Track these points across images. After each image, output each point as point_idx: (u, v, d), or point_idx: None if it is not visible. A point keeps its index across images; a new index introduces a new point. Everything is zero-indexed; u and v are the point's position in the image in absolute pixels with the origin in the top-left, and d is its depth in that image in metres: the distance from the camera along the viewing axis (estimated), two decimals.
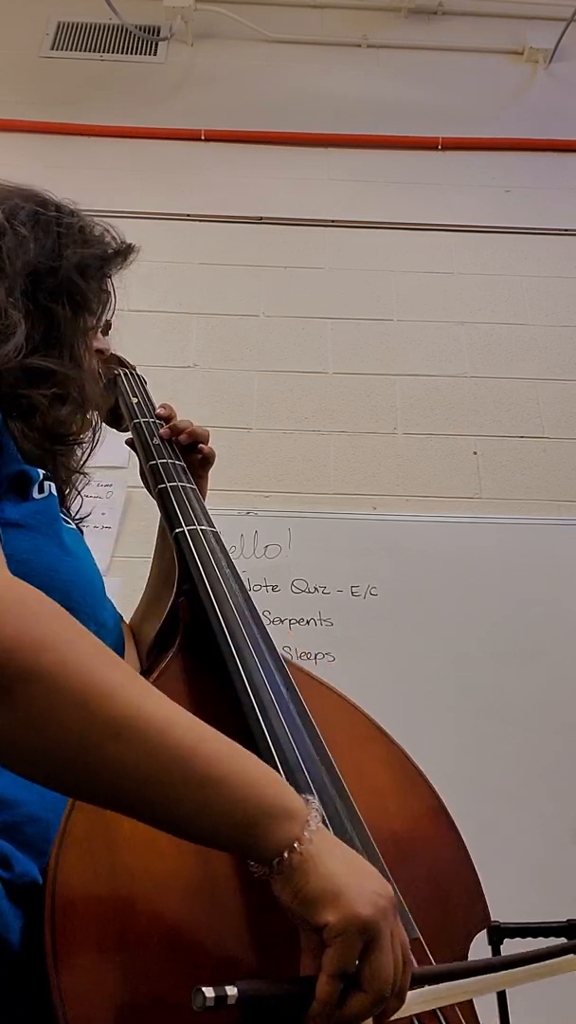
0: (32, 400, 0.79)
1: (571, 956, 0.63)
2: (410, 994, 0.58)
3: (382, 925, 0.55)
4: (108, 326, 0.99)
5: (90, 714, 0.53)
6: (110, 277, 0.95)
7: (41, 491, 0.77)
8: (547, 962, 0.63)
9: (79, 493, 0.98)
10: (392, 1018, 0.57)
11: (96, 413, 0.94)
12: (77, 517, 0.97)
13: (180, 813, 0.56)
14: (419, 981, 0.59)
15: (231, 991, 0.50)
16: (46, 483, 0.78)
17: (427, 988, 0.59)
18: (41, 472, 0.78)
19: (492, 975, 0.62)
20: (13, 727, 0.52)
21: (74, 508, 0.98)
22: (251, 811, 0.56)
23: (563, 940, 0.66)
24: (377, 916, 0.55)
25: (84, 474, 0.98)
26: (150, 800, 0.56)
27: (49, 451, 0.82)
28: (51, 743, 0.53)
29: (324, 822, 0.66)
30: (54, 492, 0.79)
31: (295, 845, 0.56)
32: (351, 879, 0.56)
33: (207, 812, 0.56)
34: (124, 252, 0.97)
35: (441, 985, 0.60)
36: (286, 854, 0.56)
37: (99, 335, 0.95)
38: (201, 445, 1.07)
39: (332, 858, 0.57)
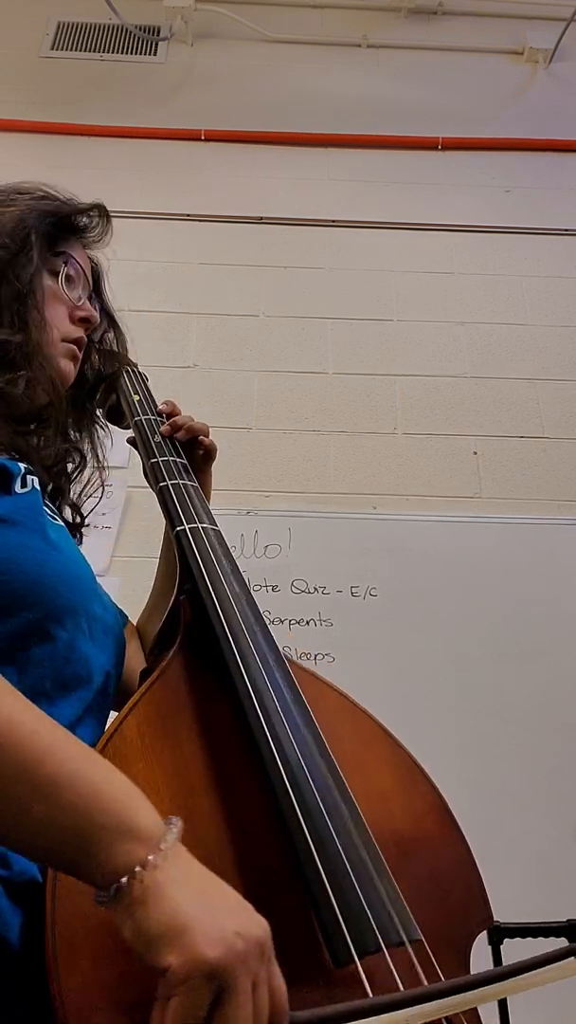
0: None
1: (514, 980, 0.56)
2: None
3: (237, 971, 0.47)
4: (91, 293, 0.95)
5: None
6: (49, 236, 0.90)
7: (24, 485, 0.76)
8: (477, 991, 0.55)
9: (90, 498, 0.98)
10: None
11: (61, 393, 0.89)
12: (84, 525, 0.97)
13: (4, 816, 0.50)
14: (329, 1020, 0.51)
15: None
16: (28, 477, 0.77)
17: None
18: (22, 466, 0.77)
19: (406, 1010, 0.53)
20: None
21: (82, 512, 0.98)
22: (85, 824, 0.50)
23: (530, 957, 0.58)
24: (230, 960, 0.47)
25: (102, 477, 0.97)
26: None
27: (19, 434, 0.80)
28: None
29: (309, 833, 0.63)
30: (37, 486, 0.78)
31: (136, 870, 0.49)
32: (202, 914, 0.48)
33: (30, 818, 0.49)
34: (69, 208, 0.93)
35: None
36: (124, 880, 0.49)
37: (85, 305, 0.92)
38: (202, 439, 1.05)
39: (182, 889, 0.49)
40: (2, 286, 0.83)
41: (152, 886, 0.49)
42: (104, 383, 1.03)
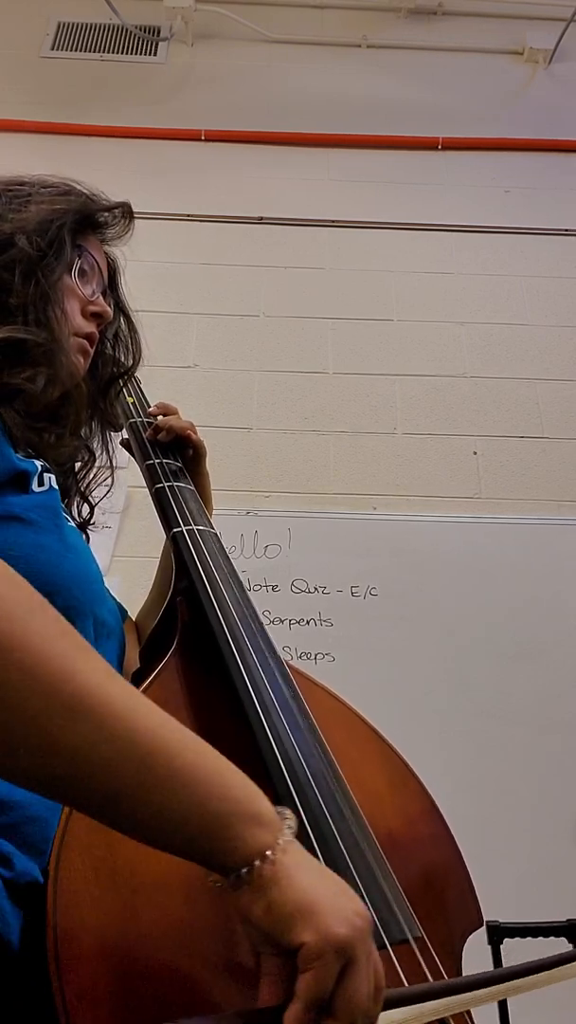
0: (17, 384, 0.77)
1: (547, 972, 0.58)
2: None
3: (359, 947, 0.50)
4: (104, 289, 0.95)
5: (42, 687, 0.48)
6: (74, 233, 0.89)
7: (41, 484, 0.75)
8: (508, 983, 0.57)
9: (92, 493, 0.97)
10: None
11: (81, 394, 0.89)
12: (91, 523, 0.97)
13: (136, 808, 0.50)
14: (396, 1002, 0.54)
15: None
16: (46, 475, 0.76)
17: (398, 1010, 0.54)
18: (39, 463, 0.76)
19: (468, 994, 0.56)
20: None
21: (85, 511, 0.97)
22: (219, 812, 0.51)
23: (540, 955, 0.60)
24: (355, 937, 0.50)
25: (114, 475, 0.96)
26: (103, 791, 0.50)
27: (35, 430, 0.79)
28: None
29: (312, 832, 0.63)
30: (55, 485, 0.77)
31: (268, 854, 0.50)
32: (328, 895, 0.51)
33: (167, 809, 0.50)
34: (95, 206, 0.93)
35: (412, 1007, 0.55)
36: (257, 863, 0.50)
37: (98, 300, 0.91)
38: (189, 436, 1.04)
39: (306, 872, 0.52)
40: (29, 285, 0.82)
41: (282, 868, 0.51)
42: (116, 380, 1.02)
